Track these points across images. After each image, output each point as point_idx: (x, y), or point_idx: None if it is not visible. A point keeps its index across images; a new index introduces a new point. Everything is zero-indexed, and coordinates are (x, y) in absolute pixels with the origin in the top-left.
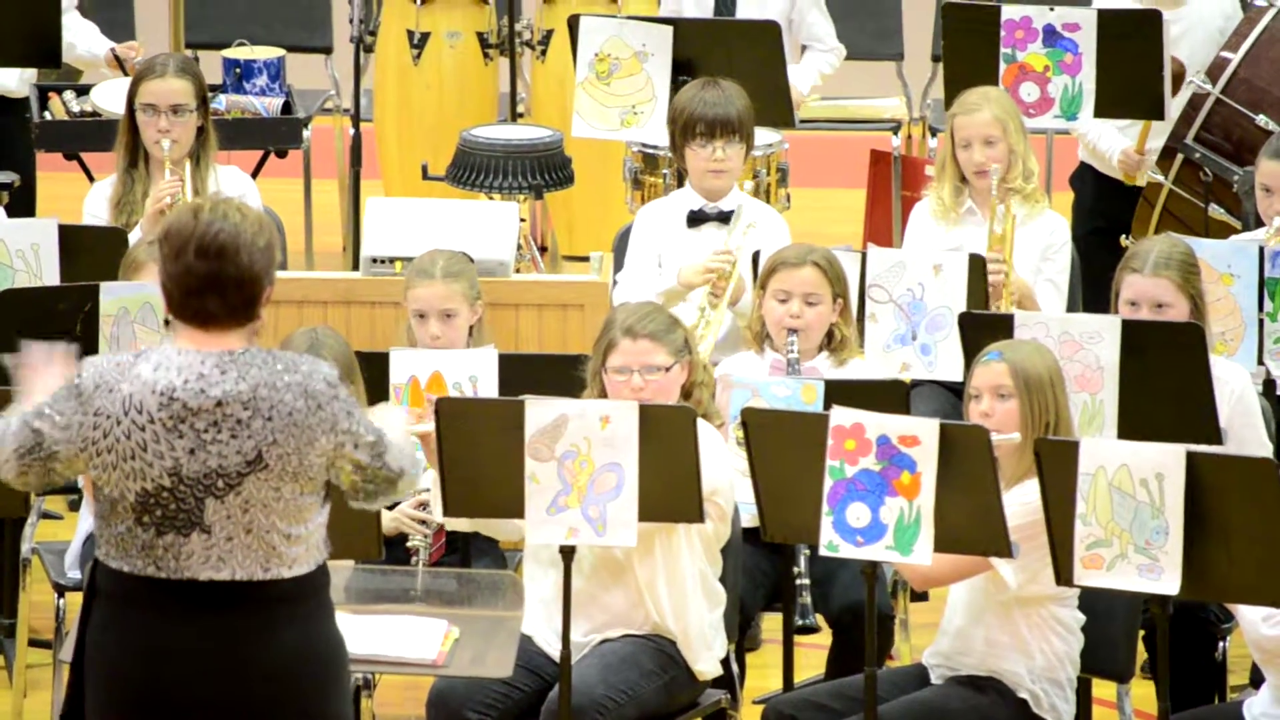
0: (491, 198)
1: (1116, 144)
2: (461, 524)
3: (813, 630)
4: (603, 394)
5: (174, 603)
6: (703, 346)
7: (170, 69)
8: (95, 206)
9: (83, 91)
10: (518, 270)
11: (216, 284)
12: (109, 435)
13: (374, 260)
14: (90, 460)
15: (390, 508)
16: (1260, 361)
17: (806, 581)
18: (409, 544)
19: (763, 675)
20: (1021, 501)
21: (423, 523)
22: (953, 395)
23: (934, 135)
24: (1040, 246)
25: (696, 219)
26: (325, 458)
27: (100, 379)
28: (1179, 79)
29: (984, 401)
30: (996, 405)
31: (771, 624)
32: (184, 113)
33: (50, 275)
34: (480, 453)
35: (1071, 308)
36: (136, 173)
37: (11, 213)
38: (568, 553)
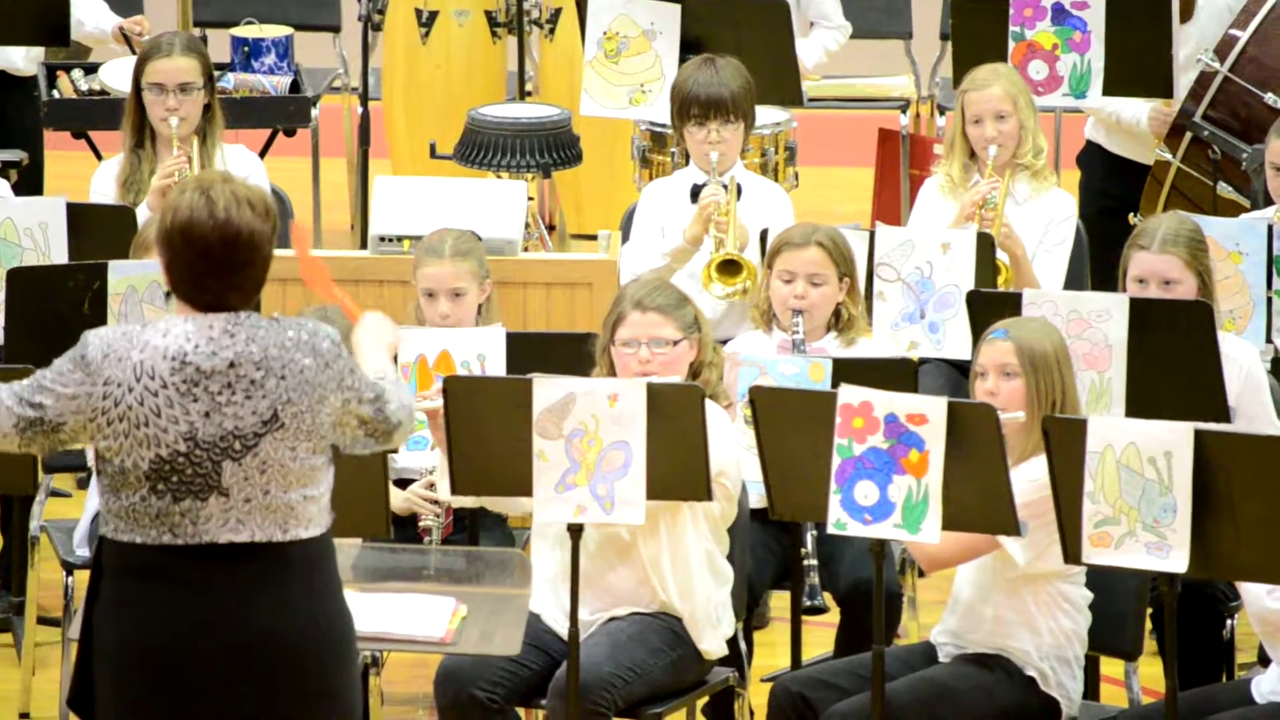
0: (500, 176)
1: (1142, 108)
2: (468, 498)
3: (821, 610)
4: (611, 370)
5: (192, 567)
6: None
7: (177, 47)
8: (103, 185)
9: (90, 70)
10: (526, 249)
11: (226, 280)
12: (120, 403)
13: (382, 239)
14: (100, 430)
15: (402, 487)
16: (1269, 339)
17: (814, 562)
18: (421, 524)
19: (771, 653)
20: (1029, 479)
21: (435, 502)
22: (960, 373)
23: (942, 114)
24: (1044, 221)
25: (699, 193)
26: (333, 415)
27: (108, 348)
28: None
29: (989, 379)
30: (1002, 383)
31: (780, 602)
32: (192, 91)
33: (59, 254)
34: (488, 431)
35: (1080, 286)
36: (143, 152)
37: (20, 191)
38: (575, 531)
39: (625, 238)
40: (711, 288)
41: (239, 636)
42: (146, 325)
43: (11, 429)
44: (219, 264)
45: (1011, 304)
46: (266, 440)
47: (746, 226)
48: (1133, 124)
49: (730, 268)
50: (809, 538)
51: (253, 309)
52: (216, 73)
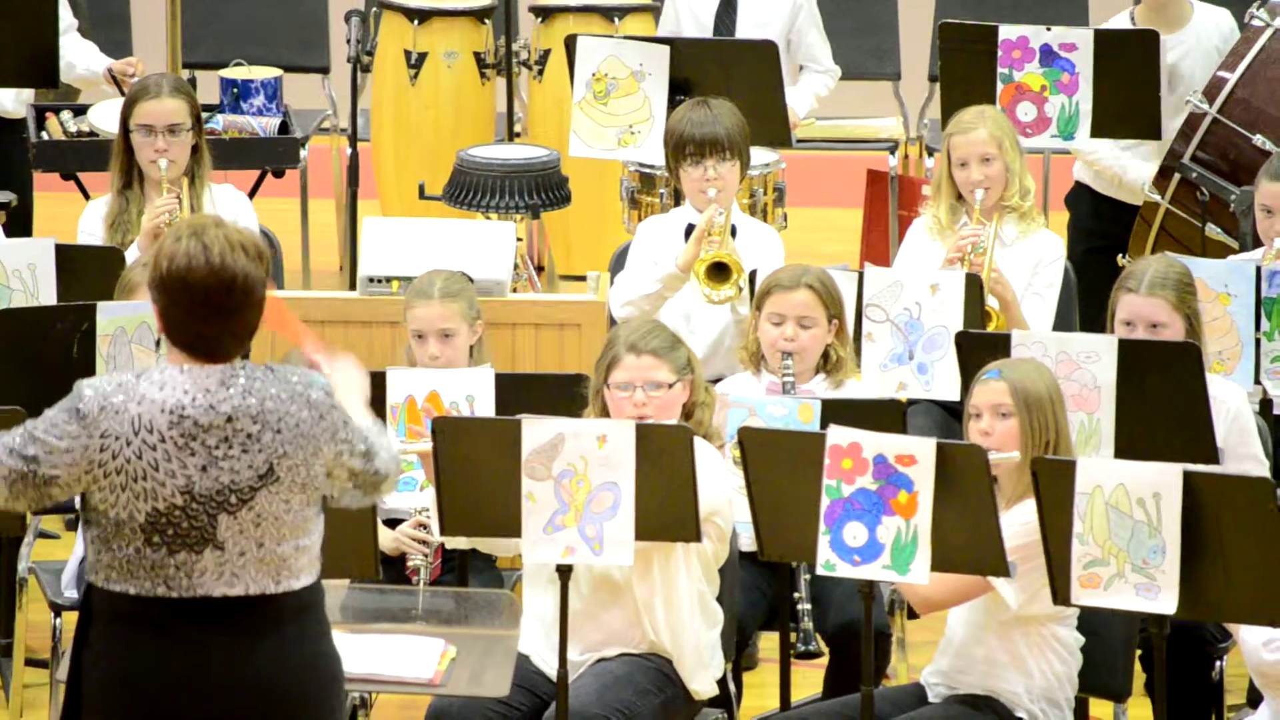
0: (488, 217)
1: (1145, 173)
2: (460, 540)
3: (815, 655)
4: (604, 412)
5: (186, 622)
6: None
7: (165, 89)
8: (90, 225)
9: (80, 111)
10: (514, 290)
11: (221, 326)
12: (118, 456)
13: (371, 280)
14: (95, 482)
15: (391, 527)
16: (1257, 381)
17: (808, 606)
18: (410, 564)
19: (760, 695)
20: (1021, 521)
21: (423, 542)
22: (949, 414)
23: (930, 155)
24: (1032, 262)
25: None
26: (326, 467)
27: (104, 401)
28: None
29: (984, 420)
30: (996, 424)
31: (769, 643)
32: (180, 132)
33: (47, 295)
34: (477, 472)
35: (1068, 327)
36: (131, 193)
37: (9, 232)
38: (565, 572)
39: (614, 279)
40: (704, 291)
41: (235, 688)
42: (140, 375)
43: (0, 481)
44: (215, 310)
45: (1001, 345)
46: (262, 494)
47: (738, 250)
48: (1136, 185)
49: (720, 273)
50: (803, 582)
51: (244, 354)
52: (205, 114)
